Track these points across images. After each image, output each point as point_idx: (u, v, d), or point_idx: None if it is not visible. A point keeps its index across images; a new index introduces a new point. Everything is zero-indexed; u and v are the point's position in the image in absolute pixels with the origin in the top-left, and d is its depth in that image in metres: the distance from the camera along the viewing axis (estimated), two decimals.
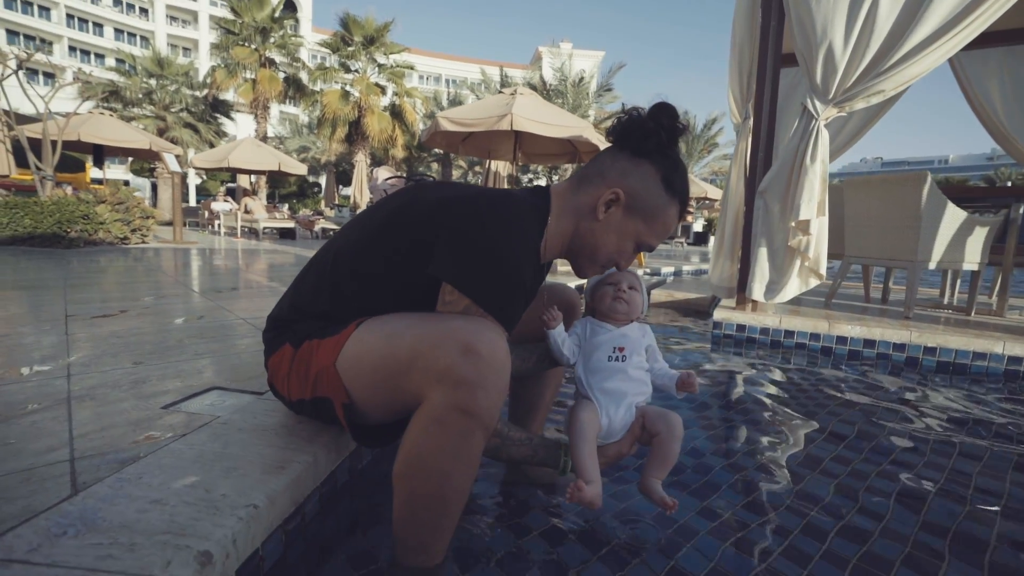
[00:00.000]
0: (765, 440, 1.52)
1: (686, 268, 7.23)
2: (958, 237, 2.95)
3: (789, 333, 2.78)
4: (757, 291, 2.80)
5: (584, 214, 0.98)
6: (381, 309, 0.90)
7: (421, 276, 0.86)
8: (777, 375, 2.25)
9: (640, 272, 6.39)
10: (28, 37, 34.13)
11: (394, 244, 0.90)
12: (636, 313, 1.10)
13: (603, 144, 8.68)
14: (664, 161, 0.96)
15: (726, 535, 1.02)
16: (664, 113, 0.94)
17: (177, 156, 9.27)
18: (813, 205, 2.56)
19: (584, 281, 1.18)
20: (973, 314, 3.21)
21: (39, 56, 7.47)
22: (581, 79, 21.87)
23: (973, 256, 3.01)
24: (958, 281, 3.95)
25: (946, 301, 3.81)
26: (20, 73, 7.02)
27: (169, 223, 11.88)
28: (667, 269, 6.92)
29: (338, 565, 0.90)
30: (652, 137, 0.95)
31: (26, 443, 0.99)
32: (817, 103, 2.57)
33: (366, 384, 0.86)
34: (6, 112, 7.39)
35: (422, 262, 0.86)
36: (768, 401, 1.88)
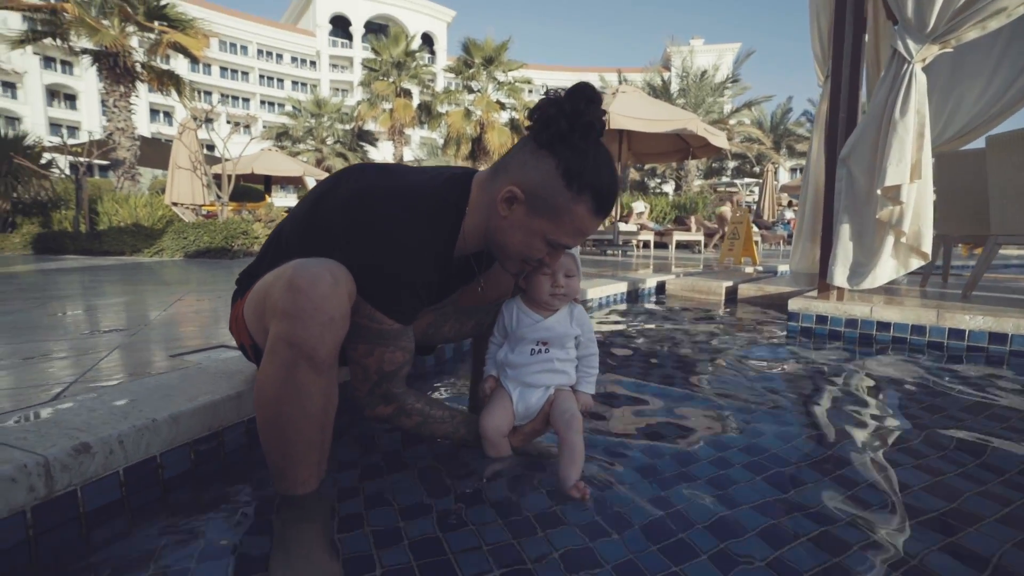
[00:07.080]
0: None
1: None
2: None
3: (884, 325, 2.30)
4: (839, 276, 2.37)
5: (492, 210, 0.92)
6: None
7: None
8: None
9: (751, 269, 5.76)
10: (234, 98, 42.74)
11: (315, 225, 0.98)
12: (572, 299, 1.07)
13: (713, 137, 8.04)
14: (566, 152, 0.84)
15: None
16: (571, 97, 0.83)
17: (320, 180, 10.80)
18: (904, 167, 2.10)
19: None
20: None
21: (219, 107, 9.32)
22: (703, 73, 20.45)
23: None
24: None
25: None
26: (218, 125, 8.83)
27: None
28: (784, 268, 6.13)
29: (253, 485, 0.99)
30: (552, 125, 0.84)
31: (61, 368, 1.29)
32: (910, 42, 2.12)
33: (254, 327, 0.97)
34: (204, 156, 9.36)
35: (333, 247, 0.90)
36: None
